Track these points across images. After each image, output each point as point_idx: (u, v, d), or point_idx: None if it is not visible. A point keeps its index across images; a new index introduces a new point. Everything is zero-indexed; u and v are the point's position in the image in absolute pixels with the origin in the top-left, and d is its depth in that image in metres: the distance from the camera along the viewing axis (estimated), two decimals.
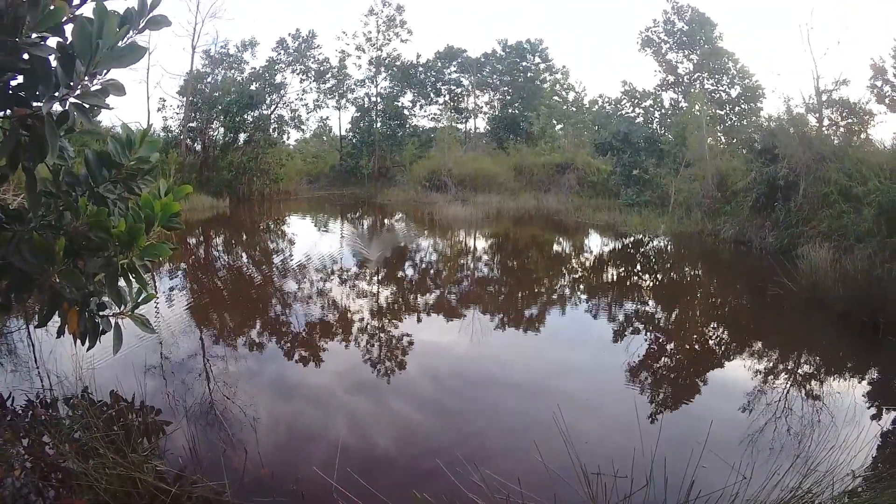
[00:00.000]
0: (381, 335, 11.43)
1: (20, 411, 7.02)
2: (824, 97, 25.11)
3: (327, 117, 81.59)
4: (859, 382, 9.00)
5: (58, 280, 3.97)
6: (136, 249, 4.21)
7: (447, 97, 67.73)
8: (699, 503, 4.70)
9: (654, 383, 9.00)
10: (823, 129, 24.27)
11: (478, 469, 5.48)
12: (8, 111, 3.31)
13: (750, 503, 4.77)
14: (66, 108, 3.32)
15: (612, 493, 4.96)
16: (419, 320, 12.70)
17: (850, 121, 24.52)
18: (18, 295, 4.36)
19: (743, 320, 13.13)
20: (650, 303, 14.85)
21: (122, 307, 4.61)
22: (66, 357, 7.96)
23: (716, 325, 12.66)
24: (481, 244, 25.60)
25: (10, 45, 2.91)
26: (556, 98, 63.57)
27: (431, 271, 19.27)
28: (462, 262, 21.06)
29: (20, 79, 3.25)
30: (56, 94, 3.16)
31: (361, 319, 12.63)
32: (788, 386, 8.59)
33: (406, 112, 64.32)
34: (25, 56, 3.05)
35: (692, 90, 41.62)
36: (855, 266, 12.31)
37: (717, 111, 39.49)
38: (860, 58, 64.78)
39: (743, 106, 42.30)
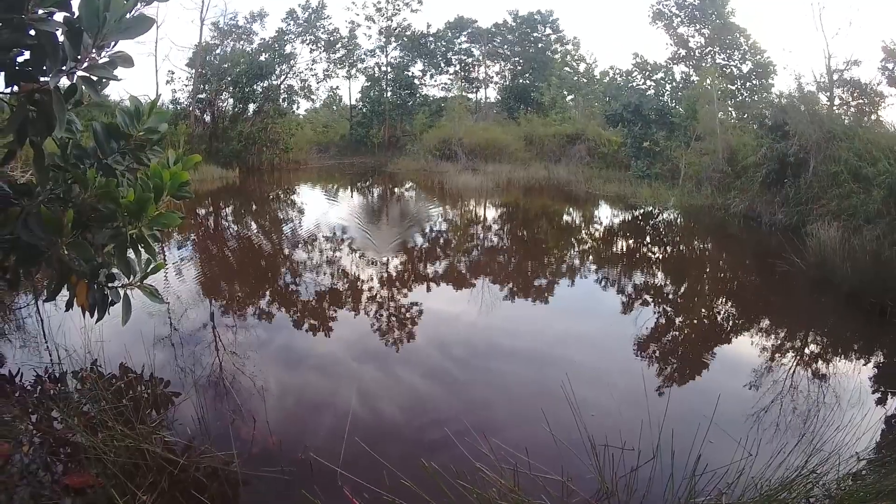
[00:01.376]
0: (390, 305, 11.45)
1: (29, 387, 7.04)
2: (835, 76, 25.01)
3: (337, 87, 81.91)
4: (865, 364, 8.96)
5: (66, 253, 3.97)
6: (146, 219, 4.23)
7: (458, 67, 67.49)
8: (705, 478, 4.69)
9: (661, 356, 9.01)
10: (834, 108, 24.16)
11: (486, 439, 5.43)
12: (15, 87, 3.29)
13: (755, 480, 4.76)
14: (74, 81, 3.32)
15: (619, 465, 4.95)
16: (428, 290, 12.75)
17: (860, 101, 24.40)
18: (26, 269, 4.37)
19: (751, 296, 13.09)
20: (659, 275, 14.89)
21: (132, 278, 4.61)
22: (75, 331, 7.91)
23: (724, 300, 12.62)
24: (491, 213, 25.58)
25: (15, 22, 2.90)
26: (566, 69, 63.45)
27: (441, 240, 19.28)
28: (472, 231, 21.03)
29: (27, 54, 3.24)
30: (63, 67, 3.15)
31: (370, 289, 12.66)
32: (794, 364, 8.56)
33: (416, 82, 64.19)
34: (32, 32, 3.03)
35: (703, 64, 41.44)
36: (863, 247, 12.26)
37: (729, 86, 39.27)
38: (871, 40, 64.45)
39: (754, 82, 42.03)
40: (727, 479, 4.74)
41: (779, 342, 9.75)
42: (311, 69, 51.82)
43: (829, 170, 18.58)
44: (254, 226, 22.84)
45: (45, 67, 3.16)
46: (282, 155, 46.12)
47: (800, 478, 4.68)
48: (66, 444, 5.57)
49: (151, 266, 4.72)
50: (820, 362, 8.91)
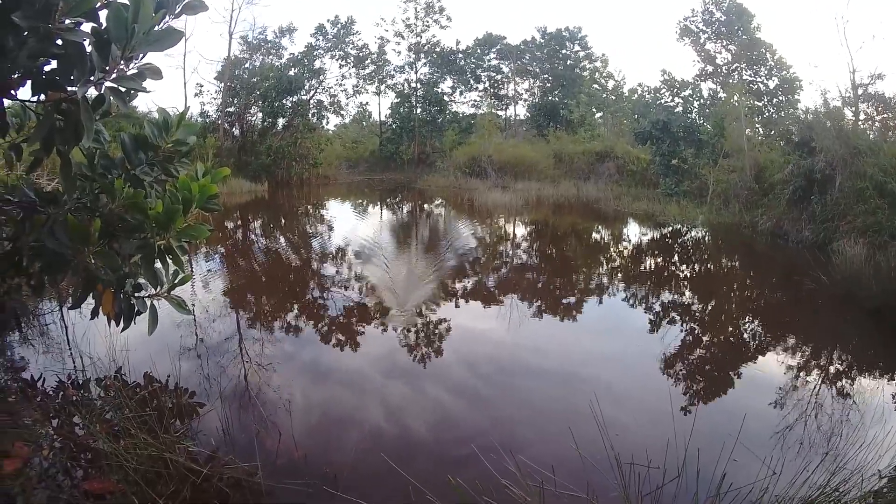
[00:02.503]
0: (418, 320, 11.40)
1: (51, 392, 7.08)
2: (860, 91, 24.90)
3: (367, 103, 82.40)
4: (889, 382, 8.85)
5: (93, 261, 3.98)
6: (174, 230, 4.23)
7: (487, 84, 67.45)
8: (729, 496, 4.69)
9: (688, 374, 8.98)
10: (859, 122, 24.06)
11: (512, 456, 5.49)
12: (42, 96, 3.32)
13: (779, 499, 4.75)
14: (102, 91, 3.32)
15: (644, 483, 4.94)
16: (457, 306, 12.70)
17: (885, 115, 24.30)
18: (52, 276, 4.40)
19: (777, 314, 12.97)
20: (686, 294, 14.79)
21: (159, 288, 4.62)
22: (100, 339, 7.93)
23: (750, 318, 12.52)
24: (521, 231, 25.52)
25: (42, 31, 2.92)
26: (595, 86, 63.36)
27: (470, 257, 19.17)
28: (501, 248, 21.02)
29: (54, 63, 3.25)
30: (91, 78, 3.16)
31: (397, 302, 12.60)
32: (819, 382, 8.52)
33: (446, 98, 64.03)
34: (59, 42, 3.06)
35: (730, 80, 41.35)
36: (888, 263, 12.20)
37: (755, 102, 39.15)
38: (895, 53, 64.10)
39: (780, 98, 41.92)
40: (751, 498, 4.76)
41: (803, 360, 9.69)
42: (341, 84, 52.20)
43: (854, 186, 18.38)
44: (282, 240, 22.91)
45: (72, 77, 3.17)
46: (311, 170, 46.14)
47: (822, 497, 4.68)
48: (87, 450, 5.61)
49: (179, 277, 4.72)
50: (844, 380, 8.85)
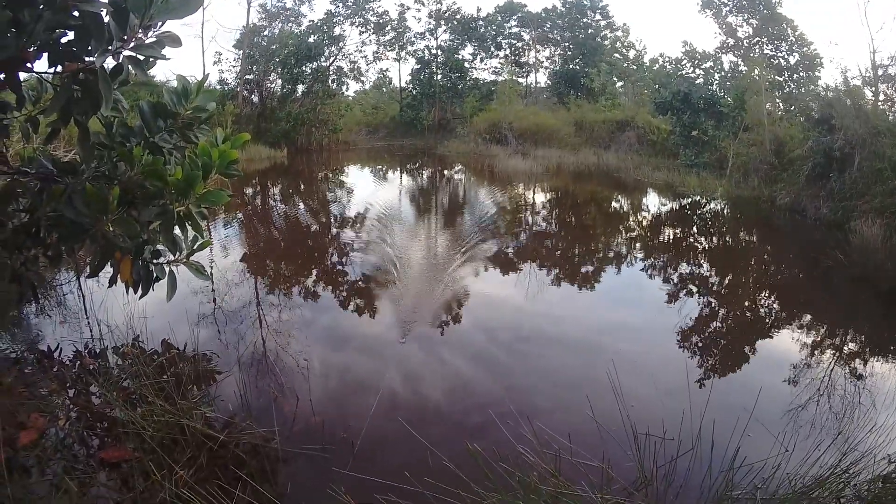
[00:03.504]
0: (436, 287, 11.42)
1: (68, 362, 7.12)
2: (880, 72, 24.68)
3: (387, 69, 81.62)
4: None
5: (111, 229, 3.98)
6: (193, 196, 4.21)
7: (508, 51, 67.13)
8: (742, 472, 4.67)
9: (704, 347, 8.95)
10: (879, 103, 23.82)
11: (529, 423, 5.50)
12: (59, 67, 3.32)
13: (790, 476, 4.75)
14: (120, 61, 3.33)
15: (658, 454, 4.95)
16: (475, 273, 12.66)
17: None
18: (70, 246, 4.42)
19: (793, 291, 12.90)
20: (704, 266, 14.76)
21: (178, 254, 4.63)
22: (117, 307, 7.98)
23: (766, 294, 12.47)
24: (540, 198, 25.42)
25: (59, 3, 2.92)
26: (616, 55, 62.95)
27: (489, 224, 19.05)
28: (520, 216, 20.94)
29: (70, 35, 3.24)
30: (109, 47, 3.16)
31: (417, 270, 12.62)
32: (833, 362, 8.45)
33: (466, 65, 63.73)
34: (76, 13, 3.04)
35: (751, 55, 41.03)
36: None
37: (776, 77, 38.84)
38: None
39: (801, 74, 41.48)
40: (763, 475, 4.75)
41: (818, 339, 9.63)
42: (361, 51, 52.17)
43: (873, 166, 18.17)
44: (300, 206, 22.94)
45: (89, 48, 3.16)
46: (331, 136, 46.25)
47: (833, 476, 4.67)
48: (104, 419, 5.66)
49: (198, 243, 4.71)
50: (857, 361, 8.77)
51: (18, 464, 4.73)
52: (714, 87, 39.39)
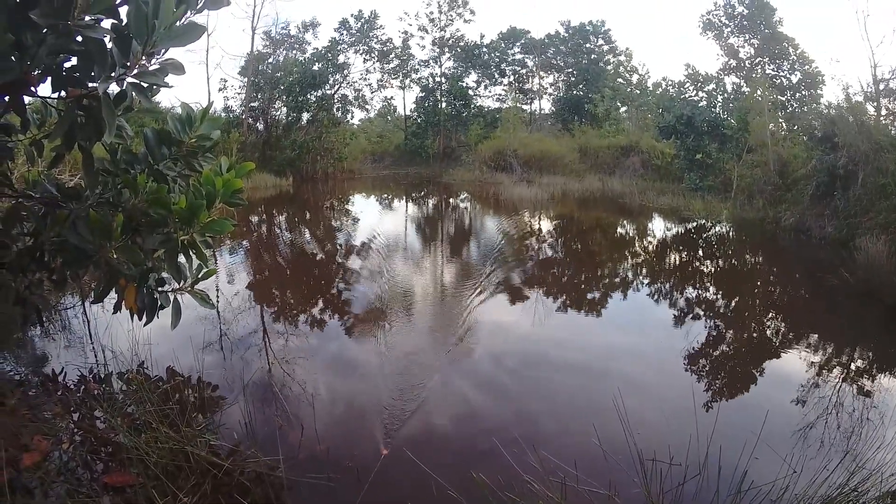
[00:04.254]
0: (443, 315, 11.42)
1: (72, 386, 7.12)
2: (882, 86, 24.75)
3: (391, 97, 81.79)
4: None
5: (115, 256, 3.99)
6: (197, 225, 4.22)
7: (512, 78, 67.09)
8: (750, 495, 4.68)
9: (710, 370, 8.93)
10: (881, 118, 23.84)
11: (535, 450, 5.48)
12: (62, 92, 3.32)
13: (799, 498, 4.73)
14: (124, 87, 3.33)
15: (665, 479, 4.95)
16: (482, 300, 12.57)
17: None
18: (74, 271, 4.42)
19: (798, 311, 12.88)
20: (710, 289, 14.70)
21: (182, 283, 4.63)
22: (122, 333, 7.99)
23: (771, 315, 12.43)
24: (546, 226, 25.39)
25: (61, 28, 2.91)
26: (619, 80, 62.93)
27: (495, 251, 18.97)
28: (526, 242, 20.81)
29: (74, 60, 3.26)
30: (112, 74, 3.17)
31: (423, 299, 12.62)
32: (839, 380, 8.43)
33: (471, 92, 63.55)
34: (79, 38, 3.05)
35: (753, 75, 41.13)
36: None
37: (779, 97, 38.91)
38: None
39: (803, 92, 41.54)
40: (771, 497, 4.73)
41: (825, 357, 9.62)
42: (365, 79, 52.71)
43: (877, 182, 18.13)
44: (306, 234, 22.98)
45: (93, 73, 3.17)
46: (336, 164, 46.27)
47: (841, 496, 4.66)
48: (108, 444, 5.65)
49: (203, 272, 4.72)
50: (864, 378, 8.74)
51: (21, 485, 4.73)
52: (717, 109, 39.37)
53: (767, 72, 42.21)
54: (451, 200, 35.95)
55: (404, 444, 6.12)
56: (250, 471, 5.35)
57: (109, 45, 3.11)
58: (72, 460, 5.39)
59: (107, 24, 3.10)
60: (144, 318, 4.61)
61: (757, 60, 43.71)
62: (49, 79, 3.24)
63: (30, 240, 4.40)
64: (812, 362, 9.22)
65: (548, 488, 4.88)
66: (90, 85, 3.24)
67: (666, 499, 4.87)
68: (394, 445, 6.14)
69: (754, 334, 11.00)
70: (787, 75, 42.47)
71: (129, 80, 3.29)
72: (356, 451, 6.00)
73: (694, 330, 10.72)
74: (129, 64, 3.19)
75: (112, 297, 4.39)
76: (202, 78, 52.32)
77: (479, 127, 56.74)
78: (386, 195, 39.35)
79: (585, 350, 9.85)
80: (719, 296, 13.98)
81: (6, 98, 3.16)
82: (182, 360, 7.69)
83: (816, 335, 10.78)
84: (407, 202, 35.96)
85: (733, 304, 13.35)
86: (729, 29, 44.82)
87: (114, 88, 3.29)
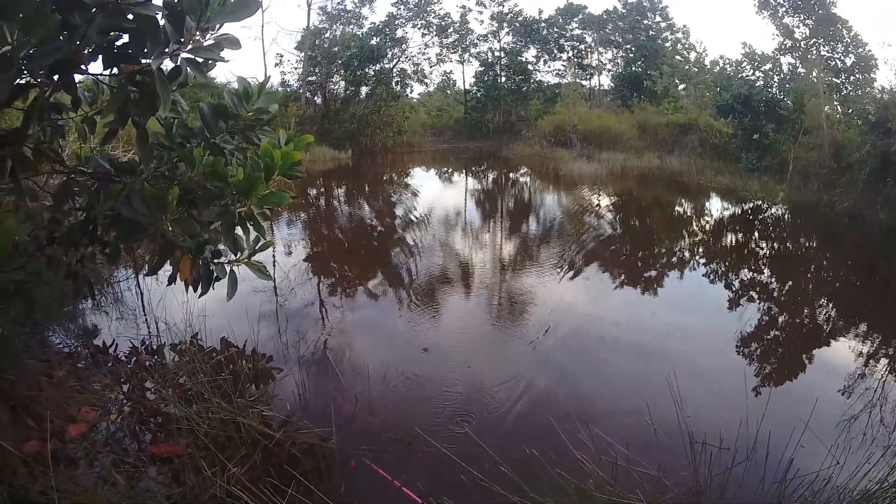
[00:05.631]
0: (502, 291, 11.47)
1: (123, 358, 7.24)
2: None
3: (451, 71, 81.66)
4: None
5: (170, 229, 4.00)
6: (255, 197, 4.22)
7: (570, 53, 66.12)
8: (794, 483, 4.66)
9: (762, 355, 8.85)
10: None
11: (588, 428, 5.56)
12: (115, 69, 3.35)
13: (840, 489, 4.70)
14: (178, 63, 3.34)
15: (714, 463, 4.95)
16: (540, 276, 12.58)
17: None
18: (128, 244, 4.46)
19: (849, 299, 12.63)
20: (763, 272, 14.54)
21: (239, 255, 4.65)
22: (176, 305, 8.07)
23: (823, 301, 12.22)
24: (605, 202, 25.07)
25: (111, 7, 2.93)
26: (677, 57, 62.14)
27: (555, 227, 19.26)
28: (585, 219, 20.67)
29: (126, 37, 3.25)
30: (166, 50, 3.18)
31: (482, 274, 12.69)
32: (886, 372, 8.26)
33: (530, 67, 63.04)
34: (129, 16, 3.05)
35: (809, 56, 40.51)
36: None
37: (833, 79, 38.31)
38: None
39: (857, 76, 40.80)
40: (814, 487, 4.69)
41: (872, 348, 9.43)
42: (424, 53, 52.04)
43: None
44: (365, 207, 23.09)
45: (145, 50, 3.17)
46: (395, 138, 46.33)
47: (880, 491, 4.62)
48: (157, 415, 5.75)
49: (260, 244, 4.70)
50: None
51: (65, 455, 4.82)
52: (774, 89, 38.83)
53: (822, 53, 41.49)
54: (510, 175, 35.97)
55: (458, 418, 6.18)
56: (302, 442, 5.38)
57: (162, 22, 3.11)
58: (119, 431, 5.48)
59: (157, 0, 3.11)
60: (200, 290, 4.61)
61: (812, 41, 42.83)
62: (100, 56, 3.26)
63: (82, 214, 4.44)
64: (861, 352, 9.08)
65: (599, 467, 4.88)
66: (143, 61, 3.24)
67: (713, 483, 4.87)
68: (448, 419, 6.20)
69: (806, 320, 10.89)
70: (842, 58, 41.64)
71: (184, 55, 3.29)
72: (409, 424, 6.01)
73: (747, 313, 10.64)
74: (182, 40, 3.21)
75: (166, 269, 4.42)
76: (258, 53, 52.57)
77: (539, 102, 57.06)
78: (446, 169, 39.46)
79: (641, 329, 9.75)
80: (773, 279, 13.84)
81: (55, 77, 3.18)
82: (237, 332, 7.82)
83: (866, 324, 10.61)
84: (466, 176, 36.06)
85: (786, 288, 13.23)
86: (784, 8, 44.02)
87: (168, 64, 3.30)
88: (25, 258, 4.24)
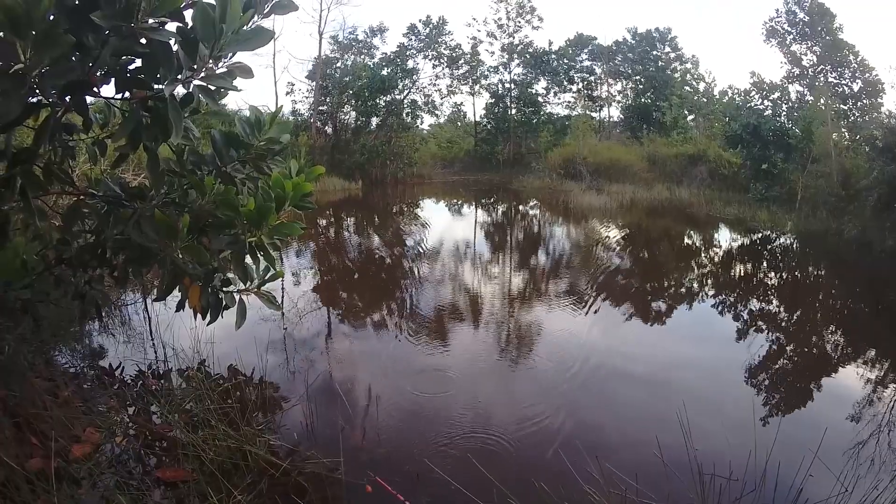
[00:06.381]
0: (508, 320, 11.44)
1: (129, 381, 7.24)
2: None
3: (461, 103, 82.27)
4: None
5: (180, 256, 3.99)
6: (266, 227, 4.19)
7: (580, 85, 66.44)
8: None
9: (770, 384, 8.81)
10: None
11: (597, 461, 5.47)
12: (126, 93, 3.35)
13: None
14: (191, 90, 3.33)
15: (723, 494, 4.92)
16: (548, 306, 12.60)
17: None
18: (136, 269, 4.46)
19: (856, 327, 12.61)
20: (772, 302, 14.45)
21: (248, 284, 4.63)
22: (184, 331, 8.15)
23: (831, 330, 12.21)
24: (614, 234, 25.08)
25: (125, 31, 2.93)
26: (687, 88, 62.27)
27: (563, 258, 19.31)
28: (594, 252, 20.64)
29: (138, 62, 3.25)
30: (179, 76, 3.18)
31: (489, 305, 12.67)
32: (894, 399, 8.23)
33: (540, 99, 63.08)
34: (143, 41, 3.05)
35: (816, 83, 40.58)
36: None
37: (841, 105, 38.34)
38: None
39: (865, 101, 40.81)
40: None
41: (881, 375, 9.42)
42: (435, 84, 52.58)
43: None
44: (374, 239, 23.11)
45: (158, 76, 3.18)
46: (406, 169, 46.61)
47: None
48: (163, 439, 5.73)
49: (270, 274, 4.67)
50: None
51: (69, 475, 4.78)
52: (782, 118, 38.90)
53: (829, 80, 41.56)
54: (520, 208, 35.99)
55: (467, 449, 6.14)
56: (310, 472, 5.38)
57: (175, 48, 3.11)
58: (124, 453, 5.48)
59: (171, 26, 3.12)
60: (208, 318, 4.60)
61: (819, 68, 42.99)
62: (112, 80, 3.27)
63: (91, 237, 4.44)
64: (868, 379, 9.07)
65: (608, 500, 4.88)
66: (156, 87, 3.26)
67: None
68: (457, 451, 6.15)
69: (814, 349, 10.84)
70: (849, 83, 41.70)
71: (196, 82, 3.29)
72: (417, 455, 6.00)
73: (756, 342, 10.60)
74: (195, 67, 3.21)
75: (174, 295, 4.41)
76: (269, 81, 52.78)
77: (549, 134, 57.08)
78: (455, 201, 39.51)
79: (650, 360, 9.73)
80: (781, 309, 13.79)
81: (67, 98, 3.19)
82: (245, 360, 7.82)
83: (873, 351, 10.58)
84: (476, 209, 36.08)
85: (794, 317, 13.18)
86: (791, 36, 44.15)
87: (180, 91, 3.30)
88: (33, 277, 4.24)
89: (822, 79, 41.46)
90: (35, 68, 2.74)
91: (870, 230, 20.48)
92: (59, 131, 3.82)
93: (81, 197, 4.34)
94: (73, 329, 8.46)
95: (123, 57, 3.18)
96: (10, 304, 4.21)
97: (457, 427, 6.73)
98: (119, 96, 3.39)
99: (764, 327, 11.86)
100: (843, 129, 34.27)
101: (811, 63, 43.44)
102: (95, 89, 3.20)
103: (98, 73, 3.07)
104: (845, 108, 39.05)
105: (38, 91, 2.92)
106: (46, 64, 2.75)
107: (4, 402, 5.34)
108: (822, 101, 31.88)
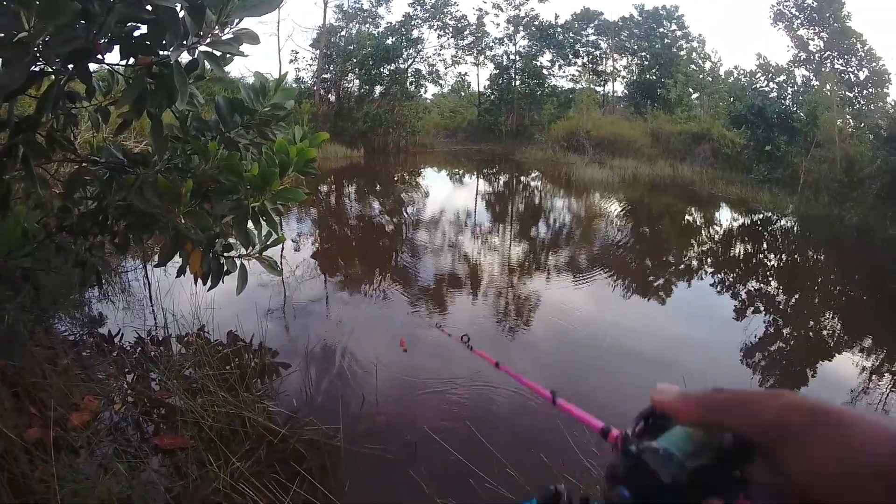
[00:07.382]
0: (509, 293, 11.43)
1: (128, 348, 7.23)
2: None
3: (465, 73, 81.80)
4: None
5: (182, 221, 3.99)
6: (269, 193, 4.22)
7: (585, 59, 66.12)
8: None
9: (766, 367, 8.85)
10: None
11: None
12: (131, 59, 3.34)
13: None
14: (196, 56, 3.32)
15: None
16: (547, 281, 12.63)
17: None
18: (138, 235, 4.45)
19: (855, 314, 12.59)
20: (771, 285, 14.46)
21: (250, 249, 4.63)
22: (184, 297, 8.16)
23: (828, 316, 12.18)
24: (616, 208, 25.19)
25: None
26: (692, 66, 61.99)
27: (564, 233, 19.31)
28: (596, 225, 20.88)
29: (144, 28, 3.23)
30: (185, 42, 3.15)
31: (489, 275, 12.70)
32: (889, 388, 8.30)
33: (545, 72, 63.21)
34: (149, 7, 3.04)
35: (823, 69, 40.41)
36: None
37: (847, 93, 38.21)
38: None
39: (870, 90, 40.66)
40: None
41: (877, 363, 9.43)
42: (439, 54, 52.54)
43: None
44: (375, 205, 23.23)
45: (164, 42, 3.15)
46: (408, 137, 46.64)
47: None
48: (161, 406, 5.73)
49: (272, 239, 4.67)
50: None
51: (67, 443, 4.80)
52: (787, 101, 38.77)
53: (836, 66, 41.37)
54: (522, 179, 36.04)
55: (467, 419, 6.14)
56: (308, 438, 5.39)
57: (181, 14, 3.08)
58: (122, 421, 5.48)
59: None
60: (209, 283, 4.60)
61: (826, 54, 42.77)
62: (117, 47, 3.26)
63: (93, 204, 4.43)
64: (864, 367, 9.09)
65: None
66: (161, 53, 3.25)
67: None
68: (457, 421, 6.17)
69: (810, 334, 10.89)
70: (855, 71, 41.53)
71: (202, 48, 3.29)
72: (417, 424, 6.03)
73: (752, 326, 10.58)
74: (201, 33, 3.19)
75: (175, 260, 4.41)
76: (273, 49, 52.69)
77: (553, 106, 56.56)
78: (457, 170, 39.57)
79: (651, 337, 9.73)
80: (779, 292, 13.79)
81: (71, 65, 3.17)
82: (245, 326, 7.84)
83: (871, 339, 10.57)
84: (478, 178, 36.11)
85: (792, 301, 13.21)
86: (799, 20, 43.90)
87: (185, 57, 3.27)
88: (34, 245, 4.23)
89: (828, 65, 41.29)
90: (39, 36, 2.73)
91: (872, 218, 20.56)
92: (62, 99, 3.80)
93: (83, 164, 4.33)
94: (72, 297, 8.47)
95: (128, 23, 3.17)
96: (10, 273, 4.21)
97: (455, 396, 6.75)
98: (123, 63, 3.38)
99: (762, 309, 11.89)
100: (848, 116, 34.19)
101: (818, 48, 43.23)
102: (100, 57, 3.18)
103: (102, 41, 3.06)
104: (851, 95, 38.89)
105: (41, 59, 2.91)
106: (50, 32, 2.74)
107: (3, 371, 5.35)
108: (827, 86, 31.82)
